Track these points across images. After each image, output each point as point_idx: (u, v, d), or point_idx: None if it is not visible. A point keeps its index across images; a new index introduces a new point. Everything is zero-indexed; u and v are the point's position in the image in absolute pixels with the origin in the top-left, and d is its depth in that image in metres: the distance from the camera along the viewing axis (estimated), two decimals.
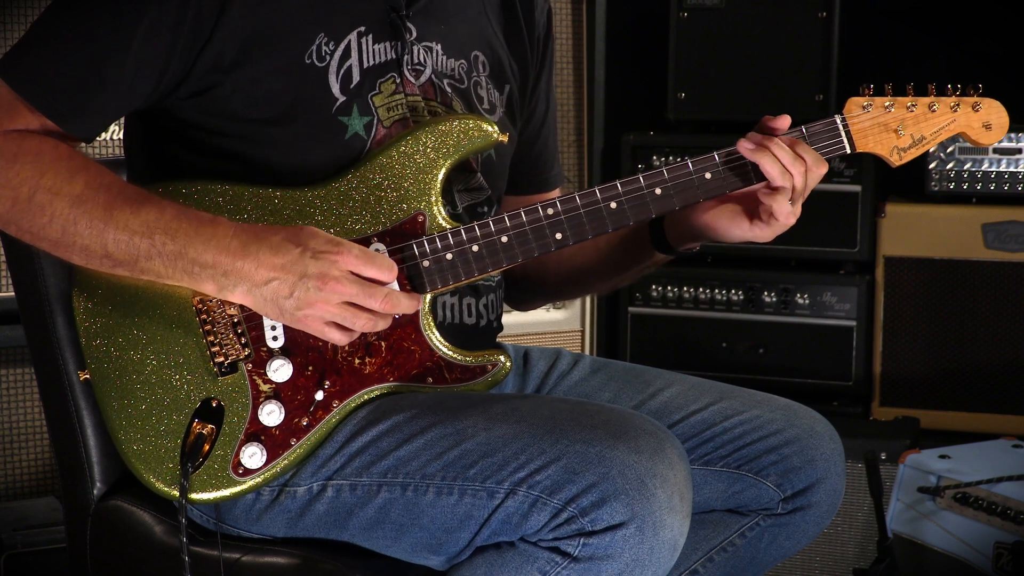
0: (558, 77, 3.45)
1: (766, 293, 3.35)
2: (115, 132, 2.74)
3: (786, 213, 1.76)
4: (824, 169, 1.78)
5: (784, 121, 1.79)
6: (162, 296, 1.69)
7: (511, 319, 2.10)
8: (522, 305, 2.15)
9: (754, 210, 1.80)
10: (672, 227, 1.89)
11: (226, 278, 1.62)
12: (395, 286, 1.67)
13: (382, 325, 1.66)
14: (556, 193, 2.08)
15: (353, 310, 1.63)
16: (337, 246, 1.62)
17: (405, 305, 1.67)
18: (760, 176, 1.77)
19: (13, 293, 1.90)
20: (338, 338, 1.66)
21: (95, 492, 1.88)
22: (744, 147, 1.76)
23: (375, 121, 1.76)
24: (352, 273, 1.62)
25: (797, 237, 3.31)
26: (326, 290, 1.61)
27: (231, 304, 1.68)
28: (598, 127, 3.48)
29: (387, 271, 1.65)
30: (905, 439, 2.94)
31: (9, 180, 1.61)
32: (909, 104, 1.83)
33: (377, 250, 1.71)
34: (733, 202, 1.82)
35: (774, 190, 1.76)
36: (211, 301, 1.68)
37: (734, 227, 1.82)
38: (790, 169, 1.75)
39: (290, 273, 1.61)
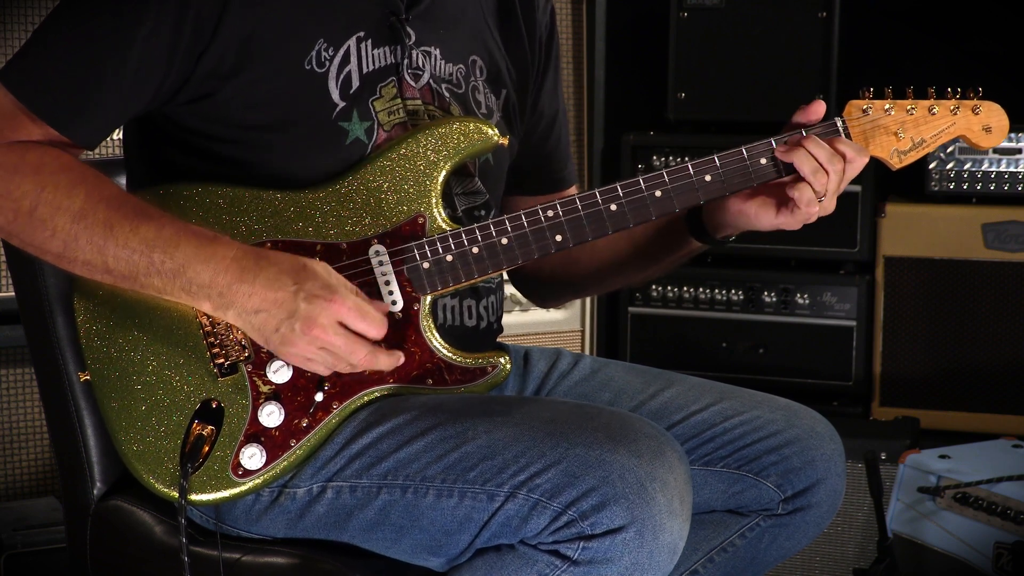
0: None
1: (766, 293, 3.34)
2: (117, 132, 2.74)
3: (808, 202, 1.77)
4: (866, 158, 1.80)
5: (818, 109, 1.81)
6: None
7: (511, 319, 2.09)
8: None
9: (782, 200, 1.81)
10: (709, 215, 1.89)
11: (221, 298, 1.62)
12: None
13: (362, 368, 1.67)
14: (572, 191, 2.07)
15: (334, 356, 1.64)
16: (332, 292, 1.61)
17: (384, 363, 1.67)
18: (761, 178, 1.79)
19: (13, 293, 1.90)
20: (319, 370, 1.66)
21: (95, 492, 1.88)
22: (779, 151, 1.78)
23: (375, 126, 1.76)
24: (340, 323, 1.62)
25: (797, 237, 3.30)
26: (309, 335, 1.61)
27: None
28: (598, 127, 3.48)
29: (376, 328, 1.64)
30: (905, 439, 2.94)
31: (10, 192, 1.61)
32: (909, 107, 1.83)
33: (377, 252, 1.71)
34: (763, 192, 1.83)
35: (800, 182, 1.78)
36: None
37: (763, 215, 1.83)
38: (827, 166, 1.76)
39: (280, 309, 1.61)
